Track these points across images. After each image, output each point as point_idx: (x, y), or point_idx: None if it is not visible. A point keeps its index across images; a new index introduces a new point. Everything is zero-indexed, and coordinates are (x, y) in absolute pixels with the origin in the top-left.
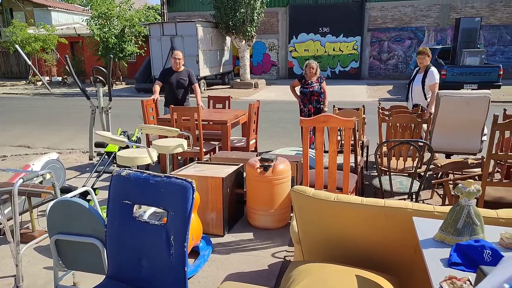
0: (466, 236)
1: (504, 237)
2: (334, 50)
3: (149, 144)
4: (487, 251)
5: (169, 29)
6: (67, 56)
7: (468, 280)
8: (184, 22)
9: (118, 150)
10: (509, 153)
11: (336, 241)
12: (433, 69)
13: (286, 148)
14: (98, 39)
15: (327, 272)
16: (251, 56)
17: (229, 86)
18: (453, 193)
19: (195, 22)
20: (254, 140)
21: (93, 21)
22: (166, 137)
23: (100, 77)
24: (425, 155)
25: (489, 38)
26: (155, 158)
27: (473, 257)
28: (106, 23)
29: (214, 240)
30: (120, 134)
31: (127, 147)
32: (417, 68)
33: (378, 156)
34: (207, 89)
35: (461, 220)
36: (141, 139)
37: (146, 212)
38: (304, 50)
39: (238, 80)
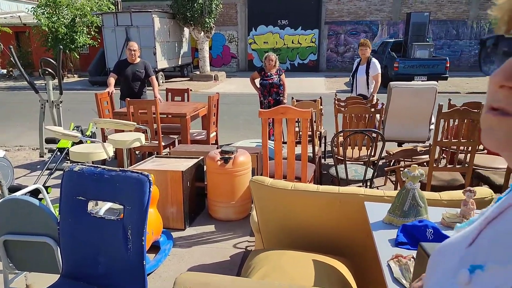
0: (412, 218)
1: (445, 216)
2: (292, 42)
3: (104, 139)
4: (430, 230)
5: (123, 19)
6: (11, 46)
7: (412, 257)
8: (140, 12)
9: (71, 146)
10: (453, 140)
11: (294, 228)
12: (375, 60)
13: (246, 140)
14: (46, 29)
15: (285, 259)
16: (210, 48)
17: (189, 78)
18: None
19: (151, 13)
20: (214, 133)
21: (40, 10)
22: (123, 131)
23: (49, 70)
24: (378, 144)
25: (437, 32)
26: (111, 153)
27: (417, 236)
28: (54, 12)
29: (175, 234)
30: (73, 129)
31: (80, 142)
32: (358, 60)
33: (334, 145)
34: (165, 82)
35: (407, 203)
36: (95, 134)
37: (102, 208)
38: (264, 42)
39: (198, 73)
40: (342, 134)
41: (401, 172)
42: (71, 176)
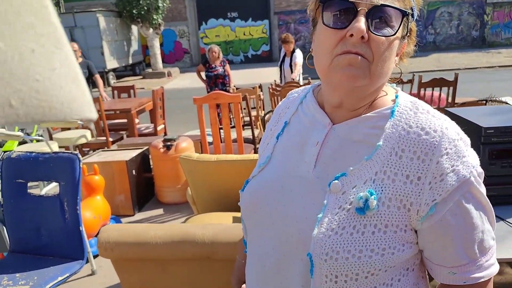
0: None
1: None
2: (244, 34)
3: (51, 138)
4: None
5: (67, 21)
6: None
7: None
8: (84, 12)
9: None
10: None
11: (222, 194)
12: (297, 51)
13: (196, 130)
14: None
15: (209, 217)
16: (161, 45)
17: (141, 76)
18: None
19: (95, 12)
20: (162, 126)
21: None
22: (69, 129)
23: None
24: None
25: None
26: (56, 150)
27: None
28: None
29: (125, 220)
30: (18, 132)
31: (25, 142)
32: (284, 51)
33: (264, 124)
34: (117, 82)
35: None
36: (43, 135)
37: (44, 188)
38: (215, 36)
39: (150, 70)
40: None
41: None
42: (9, 162)
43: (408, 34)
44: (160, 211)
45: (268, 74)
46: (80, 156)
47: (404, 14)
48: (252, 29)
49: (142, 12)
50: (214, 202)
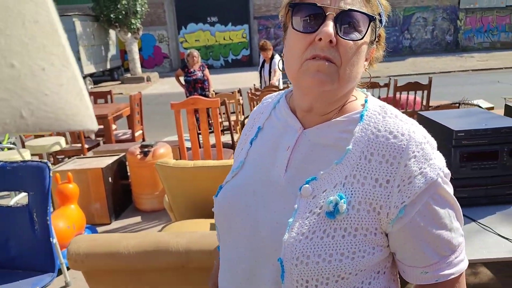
0: None
1: None
2: (224, 39)
3: (24, 145)
4: None
5: None
6: None
7: None
8: (60, 16)
9: None
10: None
11: (199, 200)
12: (276, 56)
13: (175, 136)
14: None
15: (186, 225)
16: (140, 50)
17: (120, 82)
18: None
19: (71, 16)
20: (140, 131)
21: None
22: (43, 136)
23: None
24: None
25: None
26: (28, 158)
27: None
28: None
29: (101, 229)
30: None
31: None
32: (263, 58)
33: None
34: (94, 87)
35: None
36: (15, 143)
37: (14, 198)
38: (195, 40)
39: (129, 75)
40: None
41: None
42: None
43: (377, 40)
44: (137, 219)
45: (248, 79)
46: (49, 164)
47: (371, 19)
48: (232, 34)
49: (120, 17)
50: (192, 209)
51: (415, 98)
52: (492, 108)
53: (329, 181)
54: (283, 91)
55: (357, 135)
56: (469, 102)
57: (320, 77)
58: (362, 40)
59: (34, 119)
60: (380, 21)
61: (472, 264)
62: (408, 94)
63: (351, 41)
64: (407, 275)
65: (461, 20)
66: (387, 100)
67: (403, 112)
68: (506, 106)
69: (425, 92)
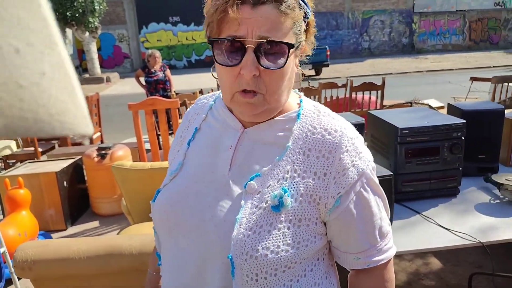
0: None
1: None
2: (187, 39)
3: None
4: None
5: None
6: None
7: None
8: None
9: None
10: None
11: None
12: None
13: (135, 138)
14: None
15: (143, 227)
16: (99, 49)
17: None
18: None
19: None
20: (98, 134)
21: None
22: None
23: None
24: None
25: (319, 23)
26: None
27: None
28: None
29: (55, 235)
30: None
31: None
32: None
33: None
34: None
35: None
36: None
37: None
38: (157, 40)
39: (87, 76)
40: None
41: None
42: None
43: (305, 39)
44: (95, 223)
45: (212, 80)
46: None
47: (290, 47)
48: (195, 34)
49: (77, 15)
50: (149, 211)
51: (370, 97)
52: (442, 107)
53: (272, 176)
54: (217, 92)
55: (296, 132)
56: (420, 101)
57: (251, 106)
58: (286, 64)
59: (4, 120)
60: (306, 17)
61: (423, 254)
62: (363, 94)
63: (274, 69)
64: (342, 260)
65: (416, 23)
66: (344, 99)
67: (358, 111)
68: (449, 105)
69: (379, 92)
